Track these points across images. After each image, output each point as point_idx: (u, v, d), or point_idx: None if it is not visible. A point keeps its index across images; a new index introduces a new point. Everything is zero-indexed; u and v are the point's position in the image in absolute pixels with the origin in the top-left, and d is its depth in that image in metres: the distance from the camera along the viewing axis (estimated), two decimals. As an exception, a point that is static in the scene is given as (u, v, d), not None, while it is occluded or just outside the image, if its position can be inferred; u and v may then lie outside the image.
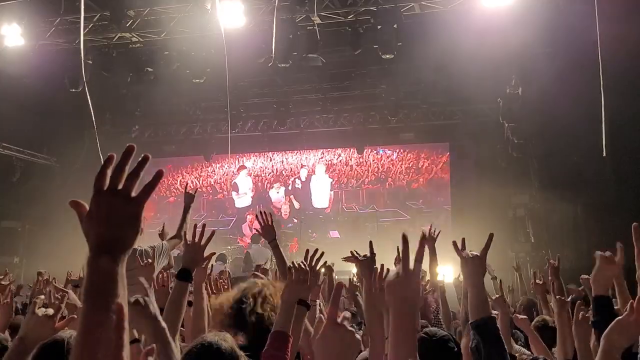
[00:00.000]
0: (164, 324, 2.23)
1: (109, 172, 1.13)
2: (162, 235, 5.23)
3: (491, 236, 2.50)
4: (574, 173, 10.78)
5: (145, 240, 5.40)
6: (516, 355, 3.30)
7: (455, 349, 2.66)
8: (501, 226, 12.38)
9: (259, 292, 2.86)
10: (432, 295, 5.52)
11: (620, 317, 2.08)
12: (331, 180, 15.71)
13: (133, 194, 1.13)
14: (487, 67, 10.45)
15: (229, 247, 14.54)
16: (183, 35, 10.36)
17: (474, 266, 2.40)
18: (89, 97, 6.00)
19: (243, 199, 16.19)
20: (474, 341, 2.31)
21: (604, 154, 7.53)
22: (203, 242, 2.82)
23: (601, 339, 2.06)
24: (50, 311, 2.32)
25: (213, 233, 2.93)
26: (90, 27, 10.22)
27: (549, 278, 4.05)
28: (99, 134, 9.37)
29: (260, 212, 3.96)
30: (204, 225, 2.83)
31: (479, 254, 2.43)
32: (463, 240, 2.54)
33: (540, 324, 4.35)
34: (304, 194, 15.75)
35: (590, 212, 10.55)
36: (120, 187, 1.12)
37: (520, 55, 10.38)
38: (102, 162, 1.15)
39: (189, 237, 2.81)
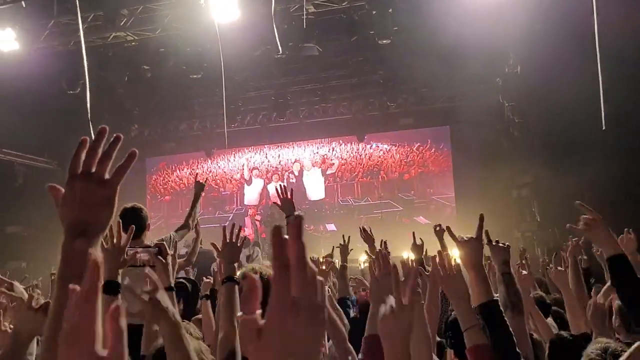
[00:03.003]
0: (177, 318, 2.18)
1: (83, 156, 1.13)
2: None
3: (481, 217, 2.50)
4: (577, 149, 10.75)
5: (154, 235, 5.40)
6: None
7: None
8: (506, 207, 12.39)
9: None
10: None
11: None
12: (320, 169, 15.78)
13: (107, 176, 1.13)
14: (485, 47, 10.40)
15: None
16: (178, 32, 10.31)
17: (471, 249, 2.39)
18: (88, 98, 5.98)
19: (252, 195, 16.26)
20: (480, 325, 2.32)
21: (604, 127, 7.53)
22: (123, 242, 2.47)
23: None
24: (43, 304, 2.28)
25: (132, 230, 2.54)
26: (84, 27, 10.17)
27: (567, 256, 4.01)
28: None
29: (281, 186, 3.78)
30: (118, 224, 2.46)
31: (474, 237, 2.43)
32: (481, 218, 2.53)
33: (537, 301, 4.34)
34: (298, 189, 15.84)
35: (595, 187, 10.52)
36: (93, 170, 1.12)
37: (517, 33, 10.32)
38: None
39: (108, 241, 2.42)
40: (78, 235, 1.10)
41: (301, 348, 0.68)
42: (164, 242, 2.99)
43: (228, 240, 2.84)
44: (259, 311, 0.69)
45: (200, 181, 4.93)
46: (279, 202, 3.70)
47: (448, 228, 2.59)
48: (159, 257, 2.60)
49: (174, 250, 2.64)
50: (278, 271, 0.69)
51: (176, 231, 4.70)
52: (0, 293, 2.76)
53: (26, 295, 2.71)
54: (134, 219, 4.20)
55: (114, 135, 1.16)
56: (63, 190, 1.15)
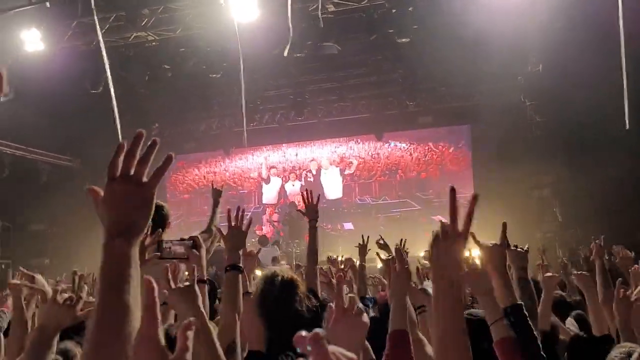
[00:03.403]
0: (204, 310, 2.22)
1: (121, 159, 1.17)
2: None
3: (505, 225, 2.53)
4: (599, 148, 10.60)
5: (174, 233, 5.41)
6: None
7: None
8: (526, 207, 12.25)
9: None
10: None
11: None
12: (338, 168, 15.80)
13: (144, 179, 1.17)
14: (506, 46, 10.29)
15: (253, 240, 14.62)
16: (198, 31, 10.40)
17: (495, 255, 2.41)
18: (114, 97, 6.07)
19: (270, 194, 16.35)
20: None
21: (627, 127, 7.42)
22: (147, 242, 2.60)
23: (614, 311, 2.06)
24: (72, 298, 2.32)
25: (149, 227, 2.68)
26: (106, 28, 10.31)
27: (590, 257, 3.97)
28: (116, 134, 9.53)
29: (306, 190, 3.81)
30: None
31: (498, 242, 2.43)
32: (504, 225, 2.55)
33: (558, 301, 4.30)
34: (315, 187, 15.86)
35: (618, 187, 10.37)
36: (131, 172, 1.16)
37: (539, 31, 10.20)
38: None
39: None
40: (118, 235, 1.13)
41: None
42: (198, 236, 3.02)
43: (232, 225, 2.73)
44: None
45: (217, 188, 4.96)
46: (302, 209, 3.74)
47: (472, 234, 2.58)
48: (194, 249, 2.62)
49: None
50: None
51: (200, 234, 4.72)
52: (23, 286, 2.79)
53: (48, 288, 2.75)
54: (154, 217, 4.22)
55: (151, 139, 1.20)
56: (102, 192, 1.19)
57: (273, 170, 16.37)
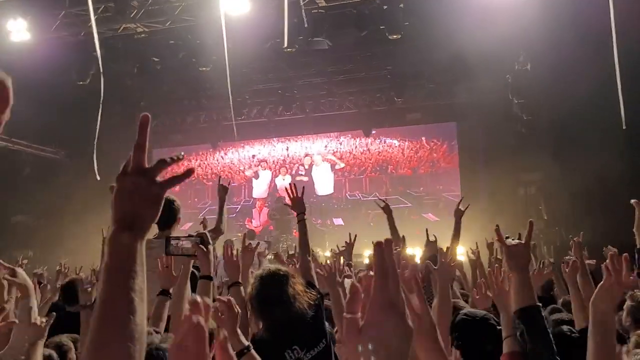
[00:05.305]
0: None
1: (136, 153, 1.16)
2: (204, 228, 5.18)
3: (531, 223, 2.51)
4: (586, 147, 10.70)
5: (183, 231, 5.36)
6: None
7: (498, 326, 2.66)
8: (512, 205, 12.35)
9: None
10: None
11: (601, 283, 2.10)
12: (329, 164, 15.84)
13: (158, 178, 1.15)
14: (495, 44, 10.33)
15: (239, 234, 14.58)
16: (188, 24, 10.31)
17: (520, 254, 2.39)
18: (102, 88, 6.00)
19: (260, 188, 16.34)
20: (519, 329, 2.31)
21: (624, 126, 7.48)
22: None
23: (589, 307, 2.10)
24: None
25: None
26: (94, 18, 10.17)
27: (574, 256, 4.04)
28: (105, 126, 9.45)
29: (290, 185, 3.85)
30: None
31: (523, 242, 2.43)
32: (497, 228, 2.57)
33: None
34: (307, 182, 15.88)
35: (603, 186, 10.50)
36: (145, 166, 1.15)
37: (528, 29, 10.26)
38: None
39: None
40: (127, 228, 1.11)
41: (395, 341, 0.84)
42: (206, 232, 3.02)
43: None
44: (359, 313, 0.85)
45: (224, 184, 4.91)
46: (289, 202, 3.77)
47: (497, 230, 2.57)
48: (201, 246, 2.64)
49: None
50: (379, 278, 0.86)
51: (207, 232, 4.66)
52: (4, 279, 2.71)
53: (30, 283, 2.69)
54: (165, 210, 4.17)
55: (181, 154, 1.21)
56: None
57: (263, 164, 16.34)
